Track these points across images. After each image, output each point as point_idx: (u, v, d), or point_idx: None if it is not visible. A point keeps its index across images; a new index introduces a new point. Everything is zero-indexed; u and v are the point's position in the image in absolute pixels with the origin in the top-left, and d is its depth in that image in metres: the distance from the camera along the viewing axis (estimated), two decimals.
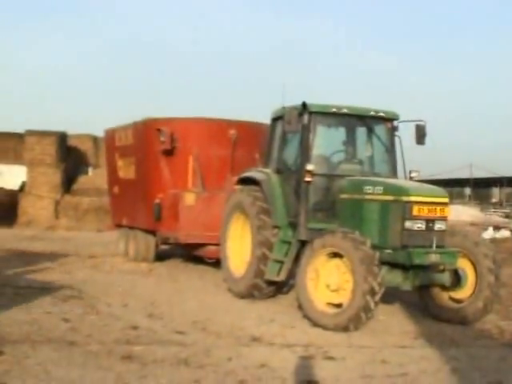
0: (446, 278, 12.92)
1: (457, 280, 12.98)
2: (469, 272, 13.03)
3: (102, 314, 12.70)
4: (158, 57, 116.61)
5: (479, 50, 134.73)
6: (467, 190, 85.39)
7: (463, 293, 13.10)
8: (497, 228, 35.53)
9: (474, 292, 12.95)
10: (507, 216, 45.47)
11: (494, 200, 79.97)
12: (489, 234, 32.74)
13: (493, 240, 27.20)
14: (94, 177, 40.88)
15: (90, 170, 43.09)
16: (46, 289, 15.10)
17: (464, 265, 13.01)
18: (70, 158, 41.07)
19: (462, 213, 48.86)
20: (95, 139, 43.44)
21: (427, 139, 14.32)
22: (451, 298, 13.33)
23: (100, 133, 31.02)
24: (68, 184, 39.75)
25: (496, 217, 44.76)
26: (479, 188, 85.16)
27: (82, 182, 40.76)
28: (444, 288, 13.25)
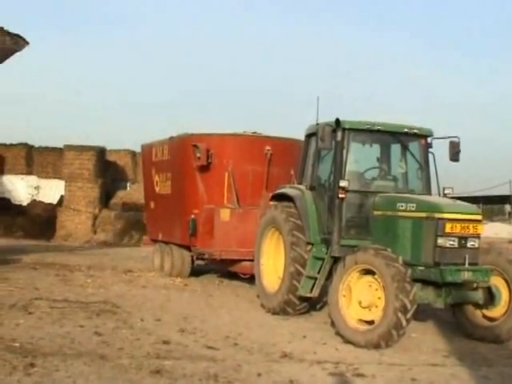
0: (479, 295, 12.84)
1: (490, 298, 12.90)
2: (502, 290, 12.95)
3: (134, 328, 12.77)
4: (194, 72, 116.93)
5: None
6: (507, 207, 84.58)
7: (497, 311, 13.02)
8: None
9: (507, 310, 12.85)
10: None
11: None
12: None
13: None
14: (133, 192, 41.17)
15: (129, 185, 43.40)
16: (80, 302, 15.23)
17: (498, 283, 12.93)
18: (109, 172, 41.48)
19: (502, 230, 48.57)
20: (134, 154, 43.83)
21: (461, 155, 14.30)
22: (484, 316, 13.25)
23: (139, 148, 31.31)
24: (106, 198, 40.06)
25: None
26: None
27: (121, 196, 41.05)
28: (477, 306, 13.18)
